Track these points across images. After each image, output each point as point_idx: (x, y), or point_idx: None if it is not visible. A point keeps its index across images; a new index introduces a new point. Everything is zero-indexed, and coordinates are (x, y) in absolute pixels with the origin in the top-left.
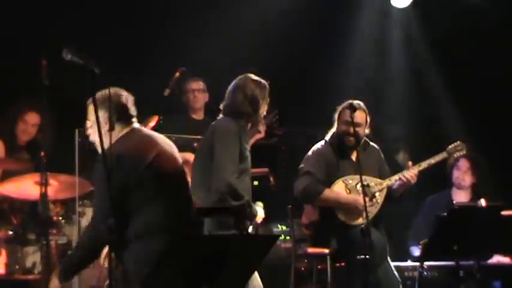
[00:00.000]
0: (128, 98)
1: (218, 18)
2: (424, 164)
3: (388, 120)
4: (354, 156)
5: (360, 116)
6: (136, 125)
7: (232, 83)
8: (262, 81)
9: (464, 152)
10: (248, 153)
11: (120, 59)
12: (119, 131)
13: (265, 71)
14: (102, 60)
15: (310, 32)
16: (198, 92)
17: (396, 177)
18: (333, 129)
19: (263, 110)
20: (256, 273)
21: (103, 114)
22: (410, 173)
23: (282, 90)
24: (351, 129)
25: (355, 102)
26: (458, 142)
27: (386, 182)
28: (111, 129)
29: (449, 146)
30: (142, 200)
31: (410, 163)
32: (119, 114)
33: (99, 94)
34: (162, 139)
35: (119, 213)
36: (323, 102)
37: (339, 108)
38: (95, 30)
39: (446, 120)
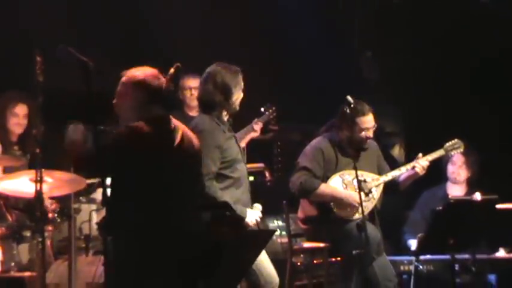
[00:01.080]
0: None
1: (216, 15)
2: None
3: (383, 116)
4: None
5: (373, 118)
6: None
7: (204, 74)
8: (233, 67)
9: (462, 150)
10: (230, 145)
11: (114, 54)
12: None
13: (263, 68)
14: (96, 55)
15: (308, 29)
16: (195, 90)
17: (393, 173)
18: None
19: (237, 97)
20: (269, 261)
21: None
22: (423, 164)
23: (277, 86)
24: (370, 134)
25: (367, 106)
26: (456, 140)
27: (383, 178)
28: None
29: (447, 143)
30: (141, 194)
31: (420, 154)
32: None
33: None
34: (182, 130)
35: (117, 211)
36: (318, 98)
37: (351, 112)
38: (90, 26)
39: (444, 117)
